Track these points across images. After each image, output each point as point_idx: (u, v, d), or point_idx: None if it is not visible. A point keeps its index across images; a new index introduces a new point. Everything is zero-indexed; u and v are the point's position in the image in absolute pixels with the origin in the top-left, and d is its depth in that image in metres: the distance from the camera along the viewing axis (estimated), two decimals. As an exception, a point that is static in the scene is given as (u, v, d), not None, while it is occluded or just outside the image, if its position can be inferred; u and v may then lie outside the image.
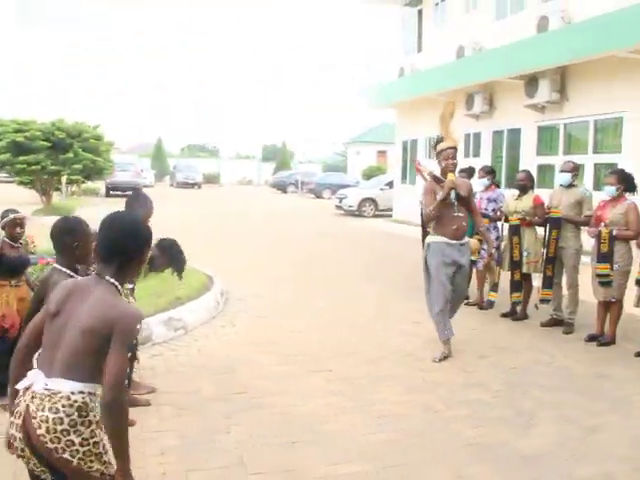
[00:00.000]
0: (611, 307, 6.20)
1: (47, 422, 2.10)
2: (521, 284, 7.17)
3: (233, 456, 3.56)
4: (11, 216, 4.46)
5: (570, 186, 6.76)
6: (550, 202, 6.86)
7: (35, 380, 2.18)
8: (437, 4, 18.16)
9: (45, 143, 16.37)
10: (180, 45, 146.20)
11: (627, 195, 6.17)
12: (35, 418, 2.12)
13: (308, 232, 16.04)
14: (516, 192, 7.33)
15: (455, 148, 5.85)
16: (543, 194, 7.65)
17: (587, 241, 6.69)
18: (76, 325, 2.17)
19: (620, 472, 3.54)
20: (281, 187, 40.59)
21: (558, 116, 12.98)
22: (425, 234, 8.86)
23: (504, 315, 7.34)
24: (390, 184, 24.01)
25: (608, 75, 11.36)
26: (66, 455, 2.10)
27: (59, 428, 2.10)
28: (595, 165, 12.06)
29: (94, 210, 7.41)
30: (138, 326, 2.20)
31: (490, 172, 8.00)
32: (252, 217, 20.23)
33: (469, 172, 8.37)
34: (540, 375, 5.24)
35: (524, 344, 6.22)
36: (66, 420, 2.11)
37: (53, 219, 3.67)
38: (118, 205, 3.54)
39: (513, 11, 14.54)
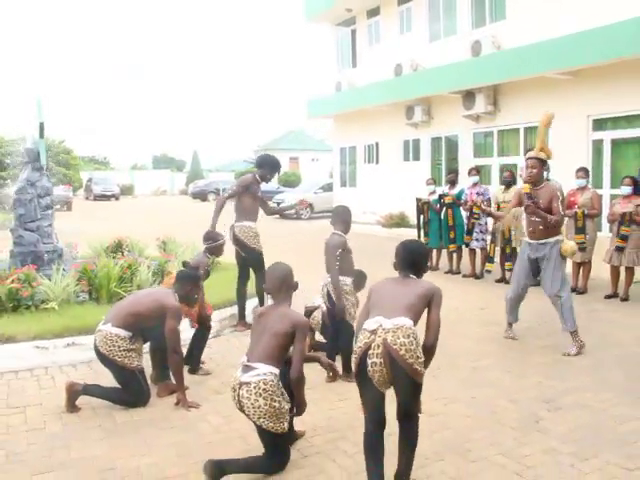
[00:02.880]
0: (583, 267, 8.64)
1: (405, 345, 3.16)
2: (511, 256, 9.49)
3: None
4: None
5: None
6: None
7: (382, 322, 3.26)
8: (370, 25, 20.49)
9: (17, 159, 17.11)
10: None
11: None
12: (395, 345, 3.16)
13: (272, 235, 17.71)
14: (502, 187, 9.69)
15: (536, 158, 6.14)
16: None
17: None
18: (408, 293, 3.39)
19: None
20: (201, 196, 41.74)
21: (492, 124, 15.59)
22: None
23: (498, 281, 9.64)
24: (324, 187, 26.29)
25: (535, 90, 13.95)
26: (416, 366, 3.19)
27: (412, 348, 3.18)
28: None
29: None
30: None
31: (479, 172, 10.35)
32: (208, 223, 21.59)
33: (455, 173, 10.72)
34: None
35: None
36: (414, 342, 3.20)
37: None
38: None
39: (446, 34, 17.04)
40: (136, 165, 79.27)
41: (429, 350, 3.35)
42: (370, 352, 3.24)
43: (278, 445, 3.66)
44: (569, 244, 6.18)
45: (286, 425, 3.62)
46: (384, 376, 3.24)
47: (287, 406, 3.68)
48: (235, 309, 7.33)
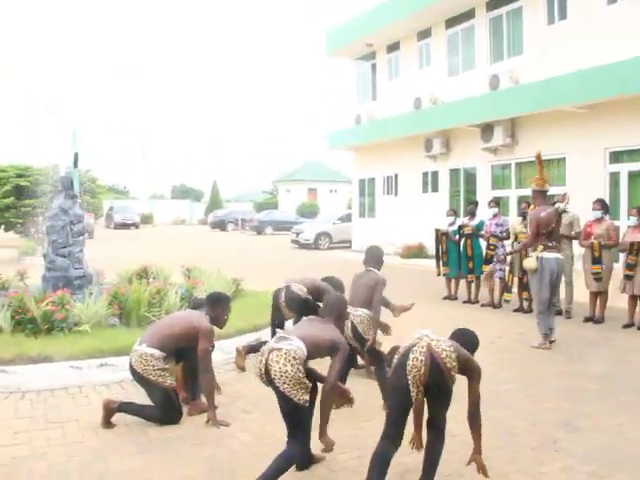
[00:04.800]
0: (600, 296, 8.77)
1: (446, 351, 3.52)
2: (528, 285, 9.62)
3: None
4: None
5: (563, 212, 9.32)
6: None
7: (427, 333, 3.67)
8: (390, 60, 20.95)
9: (49, 187, 17.64)
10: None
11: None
12: (438, 349, 3.51)
13: (291, 264, 18.02)
14: (520, 218, 9.89)
15: (536, 191, 7.88)
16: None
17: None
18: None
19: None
20: (220, 225, 42.27)
21: (509, 156, 15.82)
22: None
23: (516, 310, 9.78)
24: (342, 218, 26.59)
25: (553, 123, 14.20)
26: (453, 372, 3.54)
27: (452, 357, 3.52)
28: (544, 195, 14.86)
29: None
30: None
31: (498, 203, 10.56)
32: (228, 253, 21.94)
33: (475, 205, 10.93)
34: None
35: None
36: (453, 355, 3.54)
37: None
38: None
39: (465, 69, 17.43)
40: (155, 194, 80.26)
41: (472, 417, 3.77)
42: (414, 348, 3.57)
43: (300, 424, 3.84)
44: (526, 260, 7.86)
45: (307, 397, 3.80)
46: (421, 375, 3.48)
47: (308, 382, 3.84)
48: (257, 334, 7.53)
